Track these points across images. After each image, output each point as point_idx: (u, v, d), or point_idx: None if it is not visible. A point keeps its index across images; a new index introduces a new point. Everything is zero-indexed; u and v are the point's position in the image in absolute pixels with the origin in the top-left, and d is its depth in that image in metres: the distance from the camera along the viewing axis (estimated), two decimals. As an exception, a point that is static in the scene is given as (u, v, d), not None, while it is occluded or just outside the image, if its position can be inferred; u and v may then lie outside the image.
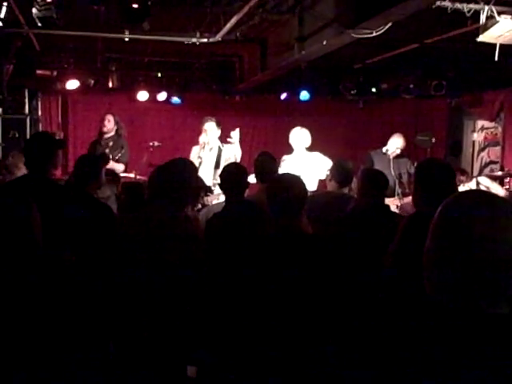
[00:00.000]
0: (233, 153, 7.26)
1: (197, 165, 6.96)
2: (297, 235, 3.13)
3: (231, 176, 4.31)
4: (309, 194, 3.37)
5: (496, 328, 1.27)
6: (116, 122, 7.62)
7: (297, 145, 6.88)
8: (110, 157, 7.21)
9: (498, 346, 1.24)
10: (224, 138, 7.26)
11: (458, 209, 1.36)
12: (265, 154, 5.36)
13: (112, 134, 7.62)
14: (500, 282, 1.29)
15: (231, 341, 3.12)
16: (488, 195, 1.41)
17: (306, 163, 6.79)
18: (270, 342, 2.93)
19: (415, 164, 7.51)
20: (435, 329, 1.30)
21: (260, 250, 3.08)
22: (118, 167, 7.35)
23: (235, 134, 7.03)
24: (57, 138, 9.10)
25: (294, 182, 3.25)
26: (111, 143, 7.46)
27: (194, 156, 7.27)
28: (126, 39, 6.40)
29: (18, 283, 2.28)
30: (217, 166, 7.10)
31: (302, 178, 3.41)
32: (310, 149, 7.01)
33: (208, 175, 7.03)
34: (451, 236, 1.33)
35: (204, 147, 7.15)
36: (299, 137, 6.89)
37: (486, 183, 6.14)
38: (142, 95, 9.14)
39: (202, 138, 7.20)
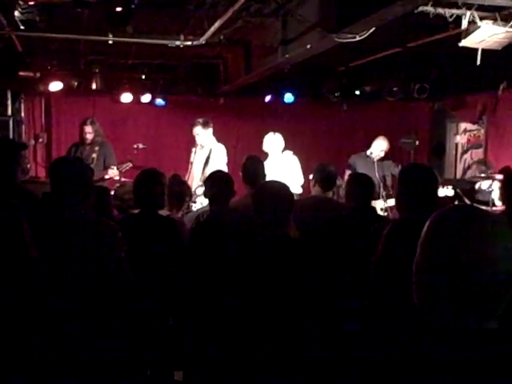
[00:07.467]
0: (223, 155, 7.27)
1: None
2: (285, 242, 3.11)
3: (217, 186, 4.29)
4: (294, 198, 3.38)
5: (484, 343, 1.26)
6: (95, 130, 7.48)
7: (271, 150, 6.98)
8: (102, 161, 7.25)
9: (486, 361, 1.23)
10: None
11: (448, 226, 1.33)
12: (252, 157, 5.25)
13: (91, 139, 7.47)
14: (491, 300, 1.28)
15: (218, 344, 3.12)
16: (480, 212, 1.38)
17: (282, 165, 6.86)
18: (257, 346, 2.94)
19: (399, 167, 7.59)
20: (420, 340, 1.29)
21: (249, 258, 3.07)
22: (115, 172, 7.09)
23: None
24: (39, 140, 9.07)
25: (280, 189, 3.23)
26: (97, 148, 7.38)
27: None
28: (110, 41, 6.37)
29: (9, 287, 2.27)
30: (205, 165, 7.15)
31: (285, 182, 3.42)
32: (293, 150, 7.07)
33: (197, 174, 7.17)
34: (441, 252, 1.32)
35: (196, 152, 7.37)
36: (273, 142, 6.98)
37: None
38: (126, 97, 9.09)
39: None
